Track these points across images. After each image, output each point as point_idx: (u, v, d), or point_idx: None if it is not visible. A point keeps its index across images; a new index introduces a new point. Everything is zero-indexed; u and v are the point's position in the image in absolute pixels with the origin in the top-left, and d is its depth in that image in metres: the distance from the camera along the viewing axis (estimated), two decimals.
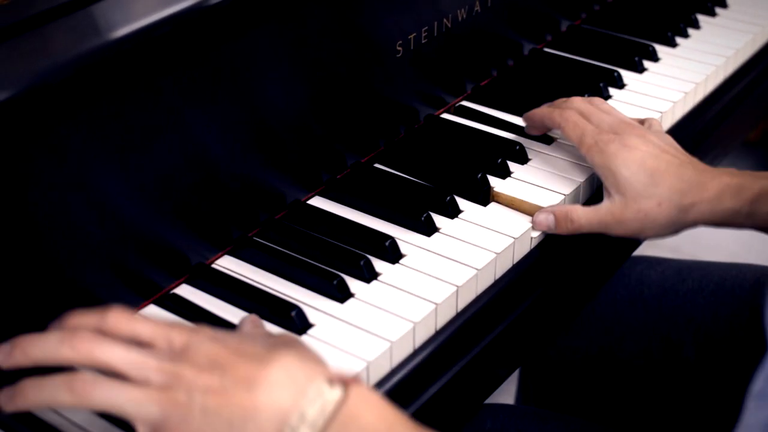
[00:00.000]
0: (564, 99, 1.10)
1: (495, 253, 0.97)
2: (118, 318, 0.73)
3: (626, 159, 0.99)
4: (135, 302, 0.92)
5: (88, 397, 0.70)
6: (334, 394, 0.69)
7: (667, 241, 1.92)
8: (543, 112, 1.11)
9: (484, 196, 1.05)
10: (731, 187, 0.97)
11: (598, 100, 1.09)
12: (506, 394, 1.92)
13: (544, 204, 1.04)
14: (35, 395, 0.72)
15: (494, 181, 1.07)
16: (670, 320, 1.17)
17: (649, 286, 1.20)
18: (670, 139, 1.04)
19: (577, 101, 1.08)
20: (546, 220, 1.02)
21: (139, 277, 0.91)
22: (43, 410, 0.82)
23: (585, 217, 1.01)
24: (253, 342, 0.73)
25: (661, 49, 1.35)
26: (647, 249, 1.78)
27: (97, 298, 0.88)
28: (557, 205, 1.04)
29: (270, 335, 0.79)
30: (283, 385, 0.69)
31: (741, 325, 1.12)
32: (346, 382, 0.70)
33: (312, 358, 0.73)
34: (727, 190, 0.97)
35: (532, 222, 1.03)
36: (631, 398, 1.21)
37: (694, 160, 1.02)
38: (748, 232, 1.03)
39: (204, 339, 0.72)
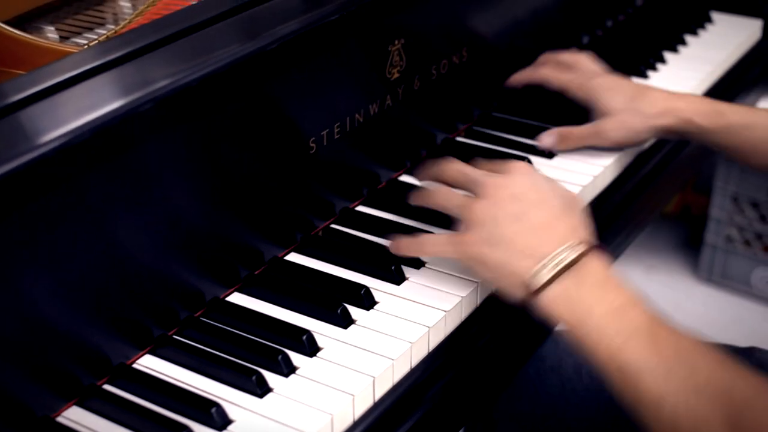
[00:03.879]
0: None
1: (410, 342, 1.00)
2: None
3: (611, 91, 1.33)
4: (57, 404, 0.93)
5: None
6: (578, 249, 0.97)
7: None
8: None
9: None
10: (703, 105, 1.30)
11: None
12: None
13: None
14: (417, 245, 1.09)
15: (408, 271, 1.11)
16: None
17: None
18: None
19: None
20: (549, 139, 1.32)
21: (60, 378, 0.92)
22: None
23: (579, 132, 1.32)
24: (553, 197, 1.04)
25: None
26: None
27: (19, 399, 0.89)
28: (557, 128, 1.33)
29: (564, 194, 1.06)
30: (557, 237, 0.99)
31: None
32: (591, 246, 0.99)
33: (580, 225, 1.02)
34: (698, 111, 1.29)
35: (538, 142, 1.33)
36: None
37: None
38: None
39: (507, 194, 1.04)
